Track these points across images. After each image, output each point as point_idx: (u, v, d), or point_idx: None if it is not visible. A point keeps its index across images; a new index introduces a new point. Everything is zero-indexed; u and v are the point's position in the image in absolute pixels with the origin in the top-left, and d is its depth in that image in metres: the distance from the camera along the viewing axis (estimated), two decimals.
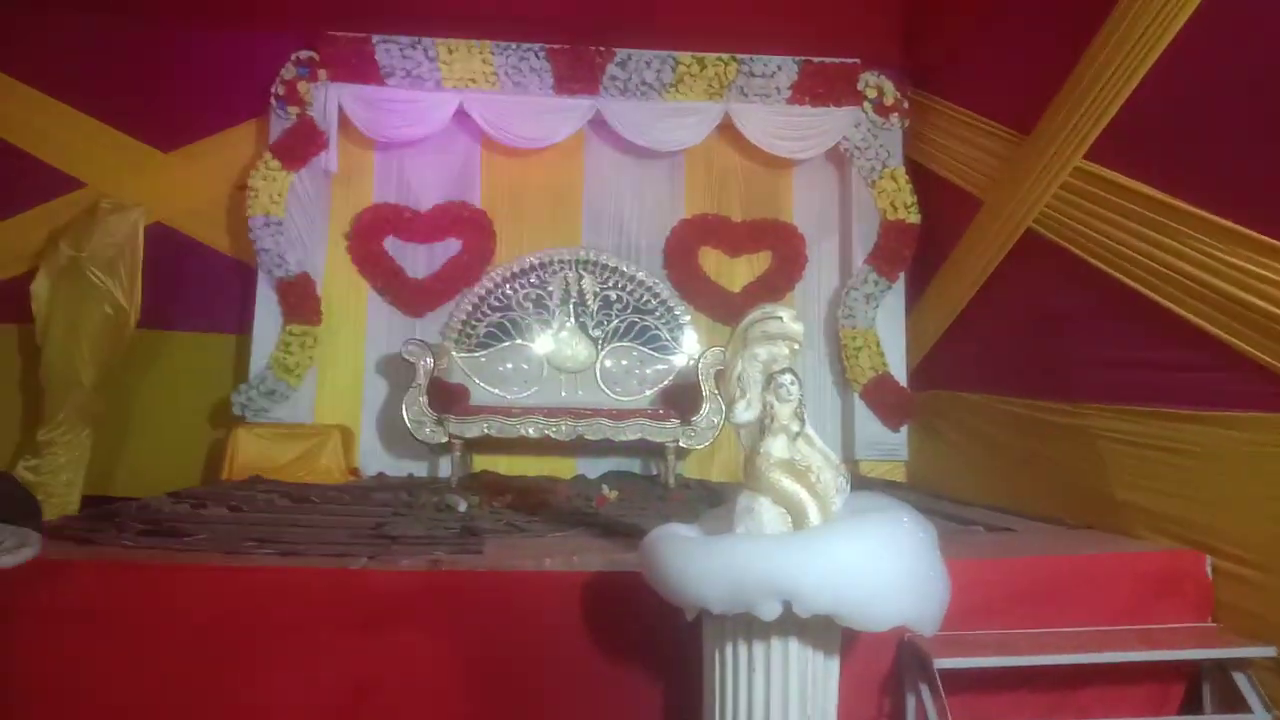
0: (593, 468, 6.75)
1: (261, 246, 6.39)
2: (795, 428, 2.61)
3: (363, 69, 6.61)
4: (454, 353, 6.66)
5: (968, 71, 6.33)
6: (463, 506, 4.88)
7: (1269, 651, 3.26)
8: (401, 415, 6.06)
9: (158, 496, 5.07)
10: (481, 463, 6.67)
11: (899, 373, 6.74)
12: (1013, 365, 5.41)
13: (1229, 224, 3.64)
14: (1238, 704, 3.32)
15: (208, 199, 6.71)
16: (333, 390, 6.68)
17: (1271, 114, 3.52)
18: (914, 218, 6.73)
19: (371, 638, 3.13)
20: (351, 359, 6.78)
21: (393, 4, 6.65)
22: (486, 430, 5.97)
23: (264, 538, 3.83)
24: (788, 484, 2.55)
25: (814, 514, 2.52)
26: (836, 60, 6.91)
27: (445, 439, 6.00)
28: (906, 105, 6.90)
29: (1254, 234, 3.52)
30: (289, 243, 6.45)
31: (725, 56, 6.78)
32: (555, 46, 6.71)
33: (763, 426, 2.63)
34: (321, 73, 6.58)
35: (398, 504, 5.07)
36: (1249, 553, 3.48)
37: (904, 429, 6.72)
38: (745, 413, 2.66)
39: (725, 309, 6.92)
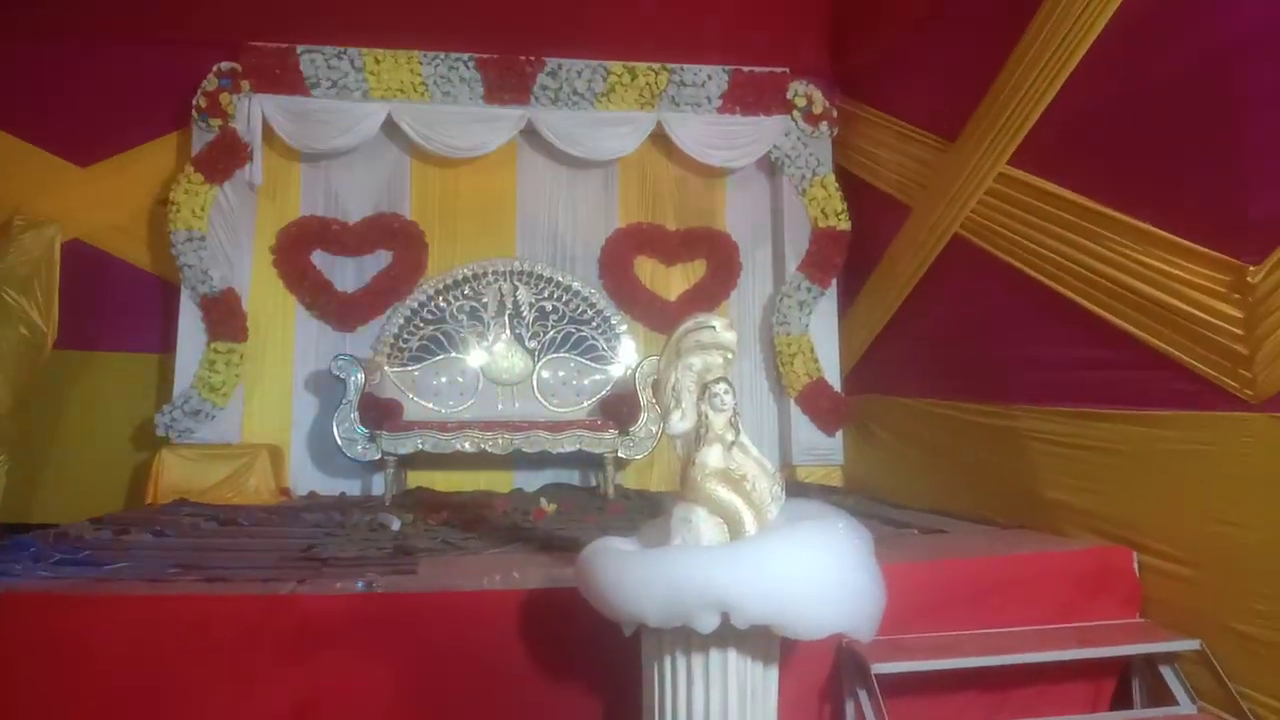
0: (531, 481, 6.68)
1: (184, 262, 6.21)
2: (730, 437, 2.60)
3: (287, 80, 6.48)
4: (386, 367, 6.54)
5: (895, 79, 6.43)
6: (396, 525, 4.78)
7: (1194, 645, 3.34)
8: (332, 432, 5.95)
9: (78, 523, 4.87)
10: (416, 479, 6.56)
11: (833, 378, 6.80)
12: (944, 368, 5.49)
13: (1146, 226, 3.74)
14: (1165, 697, 3.40)
15: (128, 214, 6.51)
16: (261, 408, 6.51)
17: (1183, 118, 3.63)
18: (844, 225, 6.81)
19: (303, 665, 3.03)
20: (280, 376, 6.62)
21: (317, 14, 6.54)
22: (421, 446, 5.87)
23: (189, 564, 3.71)
24: (723, 494, 2.54)
25: (750, 523, 2.51)
26: (766, 69, 6.98)
27: (378, 456, 5.89)
28: (835, 113, 6.99)
29: (1169, 236, 3.62)
30: (213, 258, 6.27)
31: (656, 66, 6.80)
32: (485, 56, 6.66)
33: (698, 436, 2.61)
34: (244, 84, 6.43)
35: (329, 524, 4.96)
36: (1174, 548, 3.56)
37: (839, 434, 6.78)
38: (680, 423, 2.64)
39: (662, 318, 6.92)
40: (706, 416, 2.60)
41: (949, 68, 5.55)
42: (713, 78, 6.87)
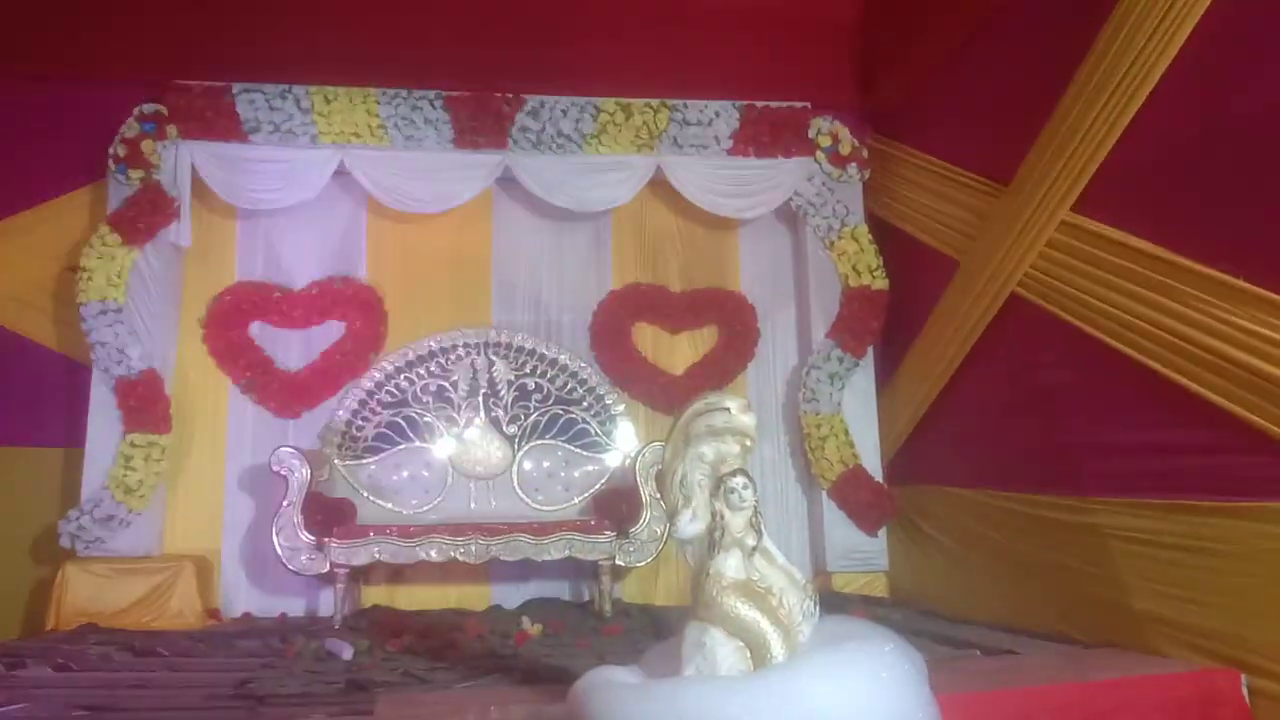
0: (511, 596, 6.61)
1: (97, 339, 6.24)
2: (751, 541, 2.59)
3: (221, 123, 6.59)
4: (336, 461, 6.53)
5: (935, 114, 6.55)
6: (348, 654, 4.72)
7: None
8: (272, 541, 5.89)
9: None
10: (373, 596, 6.49)
11: (873, 465, 6.78)
12: (1005, 453, 5.48)
13: (1241, 283, 3.76)
14: None
15: (29, 283, 6.54)
16: (186, 513, 6.48)
17: (1277, 155, 3.68)
18: (880, 283, 6.87)
19: None
20: (209, 474, 6.61)
21: (256, 47, 6.65)
22: (378, 555, 5.82)
23: (98, 705, 3.65)
24: (745, 611, 2.52)
25: (778, 647, 2.49)
26: (783, 104, 7.12)
27: (326, 568, 5.83)
28: (865, 154, 7.11)
29: (1269, 294, 3.63)
30: (131, 334, 6.30)
31: (655, 102, 6.94)
32: (454, 94, 6.79)
33: (712, 541, 2.60)
34: (170, 129, 6.55)
35: (268, 654, 4.89)
36: None
37: (882, 533, 6.73)
38: (690, 525, 2.64)
39: (666, 396, 6.94)
40: (722, 517, 2.60)
41: (999, 100, 5.65)
42: (721, 114, 7.00)
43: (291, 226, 6.98)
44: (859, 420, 6.85)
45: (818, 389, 6.82)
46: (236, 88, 6.62)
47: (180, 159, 6.56)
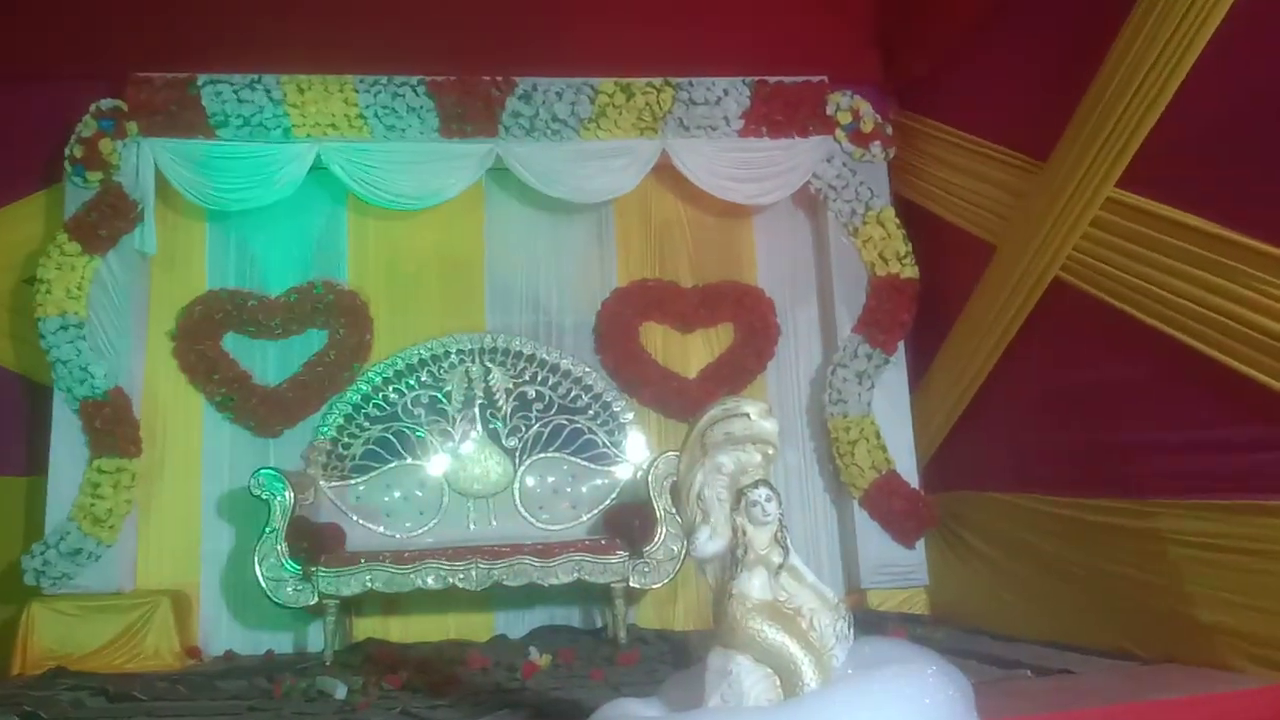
0: (516, 624, 6.61)
1: (57, 357, 6.25)
2: (776, 559, 2.59)
3: (186, 118, 6.61)
4: (322, 482, 6.54)
5: (963, 86, 6.54)
6: (341, 692, 4.72)
7: None
8: (255, 571, 5.89)
9: None
10: (366, 628, 6.50)
11: (908, 471, 6.77)
12: (1053, 454, 5.47)
13: None
14: None
15: None
16: (160, 544, 6.49)
17: None
18: (910, 271, 6.86)
19: None
20: (184, 500, 6.61)
21: (222, 34, 6.69)
22: (370, 584, 5.82)
23: None
24: (772, 635, 2.51)
25: (810, 673, 2.48)
26: (798, 79, 7.11)
27: (315, 599, 5.83)
28: (889, 131, 7.11)
29: None
30: (95, 350, 6.32)
31: (658, 81, 6.93)
32: (439, 79, 6.79)
33: (734, 559, 2.60)
34: (130, 125, 6.56)
35: (253, 694, 4.90)
36: None
37: (920, 544, 6.73)
38: (709, 542, 2.63)
39: (679, 401, 6.94)
40: (744, 532, 2.59)
41: (1033, 69, 5.64)
42: (730, 92, 6.99)
43: (266, 228, 6.99)
44: (891, 422, 6.84)
45: (845, 389, 6.81)
46: (201, 79, 6.62)
47: (142, 158, 6.58)
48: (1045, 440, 5.56)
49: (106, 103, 6.58)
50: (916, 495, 6.71)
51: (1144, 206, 4.62)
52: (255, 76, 6.66)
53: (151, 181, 6.58)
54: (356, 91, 6.72)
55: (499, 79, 6.84)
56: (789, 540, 2.62)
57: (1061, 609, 5.27)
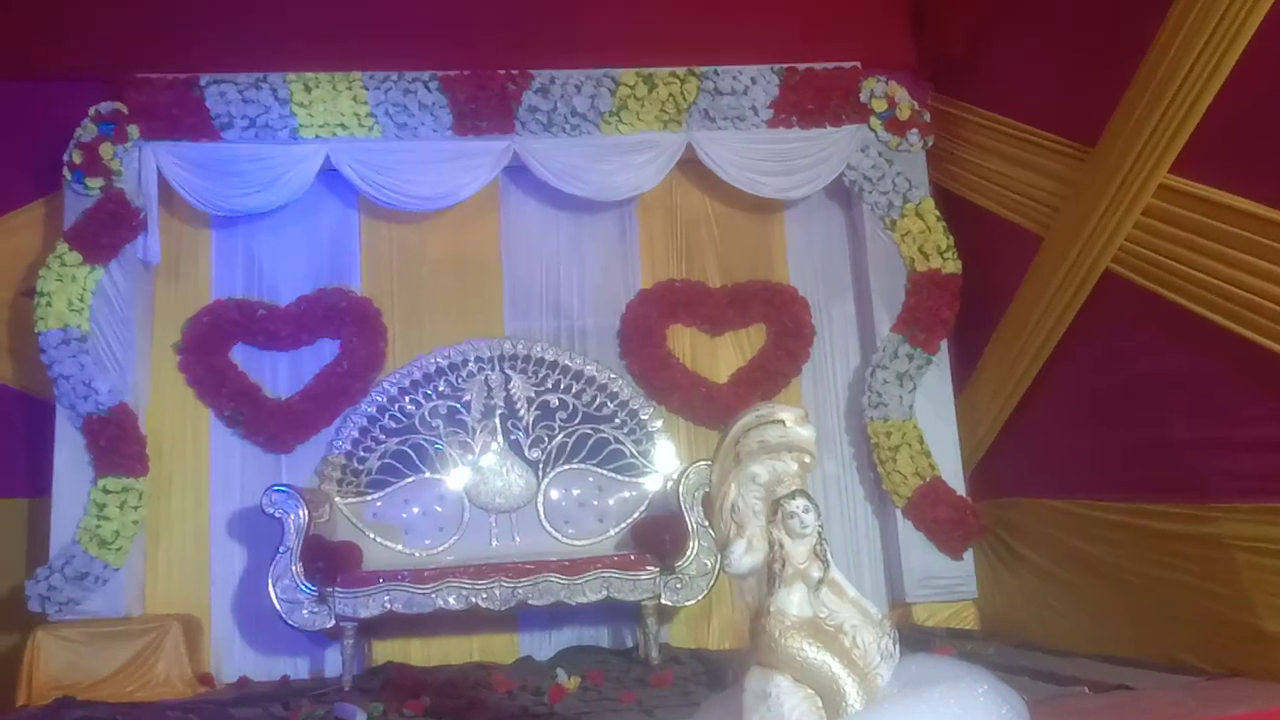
0: (543, 645, 6.63)
1: (60, 372, 6.31)
2: (816, 573, 2.58)
3: (189, 120, 6.66)
4: (337, 498, 6.57)
5: (1004, 69, 6.53)
6: (360, 719, 4.73)
7: None
8: (268, 592, 5.92)
9: None
10: (385, 651, 6.52)
11: (953, 477, 6.75)
12: (1107, 457, 5.44)
13: None
14: None
15: None
16: (169, 566, 6.55)
17: None
18: (952, 266, 6.84)
19: None
20: (193, 520, 6.67)
21: (226, 32, 6.74)
22: (389, 605, 5.83)
23: None
24: (813, 653, 2.51)
25: (853, 694, 2.48)
26: (830, 65, 7.10)
27: (332, 622, 5.85)
28: (927, 117, 7.09)
29: None
30: (98, 364, 6.37)
31: (681, 71, 6.94)
32: (452, 73, 6.83)
33: (771, 574, 2.59)
34: (132, 129, 6.62)
35: None
36: None
37: (968, 555, 6.70)
38: (745, 557, 2.63)
39: (709, 408, 6.95)
40: (781, 546, 2.59)
41: (1078, 49, 5.62)
42: (758, 81, 7.00)
43: (274, 234, 7.04)
44: (935, 426, 6.82)
45: (885, 391, 6.79)
46: (205, 79, 6.67)
47: (144, 163, 6.64)
48: (1099, 442, 5.53)
49: (106, 105, 6.63)
50: (963, 503, 6.68)
51: (1199, 192, 4.59)
52: (261, 75, 6.71)
53: (154, 187, 6.64)
54: (366, 89, 6.76)
55: (514, 72, 6.86)
56: (829, 553, 2.61)
57: (1118, 621, 5.25)
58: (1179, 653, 4.72)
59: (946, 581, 6.67)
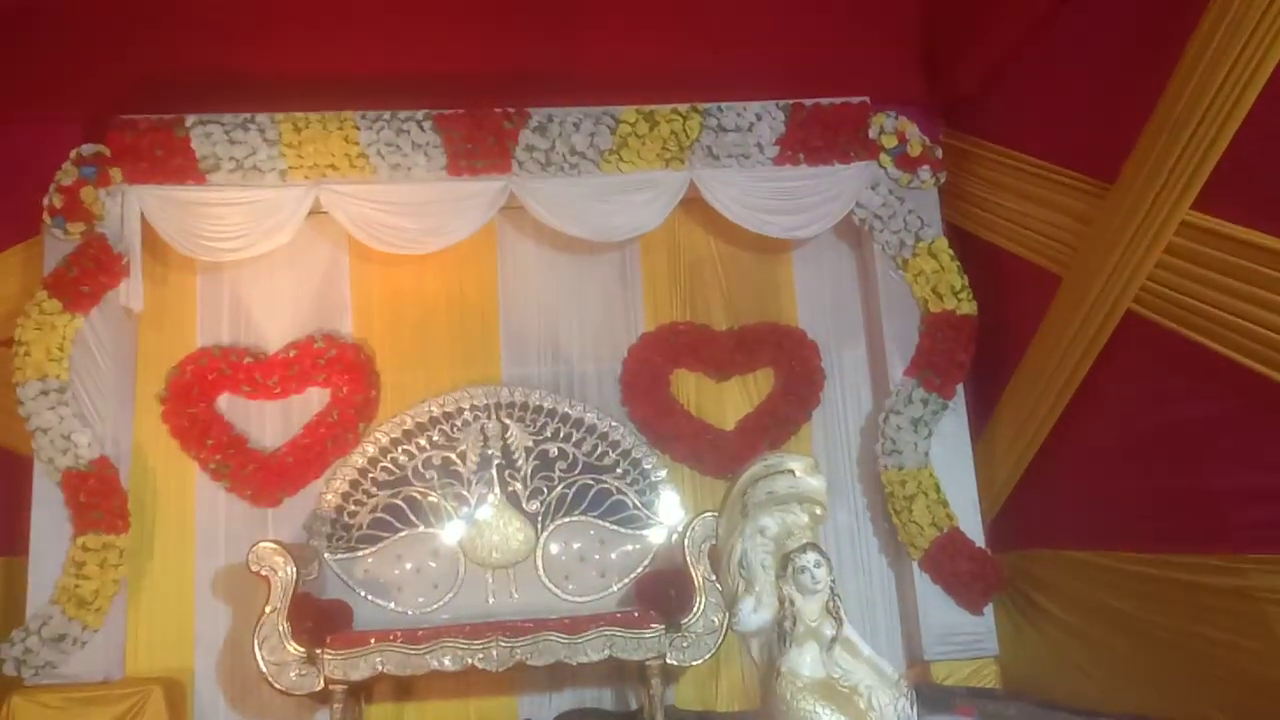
0: (543, 708, 6.57)
1: (38, 425, 6.30)
2: (829, 631, 2.59)
3: (173, 163, 6.68)
4: (327, 554, 6.55)
5: (1018, 103, 6.58)
6: None
7: None
8: (254, 655, 5.89)
9: None
10: (377, 715, 6.48)
11: (972, 527, 6.74)
12: (1133, 505, 5.44)
13: None
14: None
15: None
16: (151, 627, 6.52)
17: None
18: (967, 307, 6.86)
19: None
20: (177, 578, 6.64)
21: (211, 71, 6.77)
22: (381, 667, 5.79)
23: None
24: (827, 716, 2.50)
25: None
26: (837, 100, 7.15)
27: (320, 684, 5.80)
28: (939, 153, 7.14)
29: None
30: (78, 416, 6.37)
31: (683, 108, 6.98)
32: (446, 112, 6.87)
33: (782, 632, 2.59)
34: (114, 172, 6.64)
35: None
36: None
37: (989, 610, 6.68)
38: (754, 614, 2.63)
39: (716, 456, 6.95)
40: (792, 602, 2.59)
41: (1095, 81, 5.66)
42: (763, 117, 7.04)
43: (261, 280, 7.06)
44: (952, 473, 6.82)
45: (899, 438, 6.79)
46: (190, 120, 6.71)
47: (127, 207, 6.66)
48: (1123, 490, 5.52)
49: (88, 148, 6.66)
50: (983, 555, 6.67)
51: (1223, 230, 4.61)
52: (248, 116, 6.74)
53: (137, 232, 6.66)
54: (357, 128, 6.79)
55: (511, 110, 6.90)
56: (842, 610, 2.61)
57: (1147, 678, 5.22)
58: (1210, 711, 4.70)
59: (966, 638, 6.64)
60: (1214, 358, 4.67)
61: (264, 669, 5.85)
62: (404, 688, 6.34)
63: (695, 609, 6.03)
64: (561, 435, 6.90)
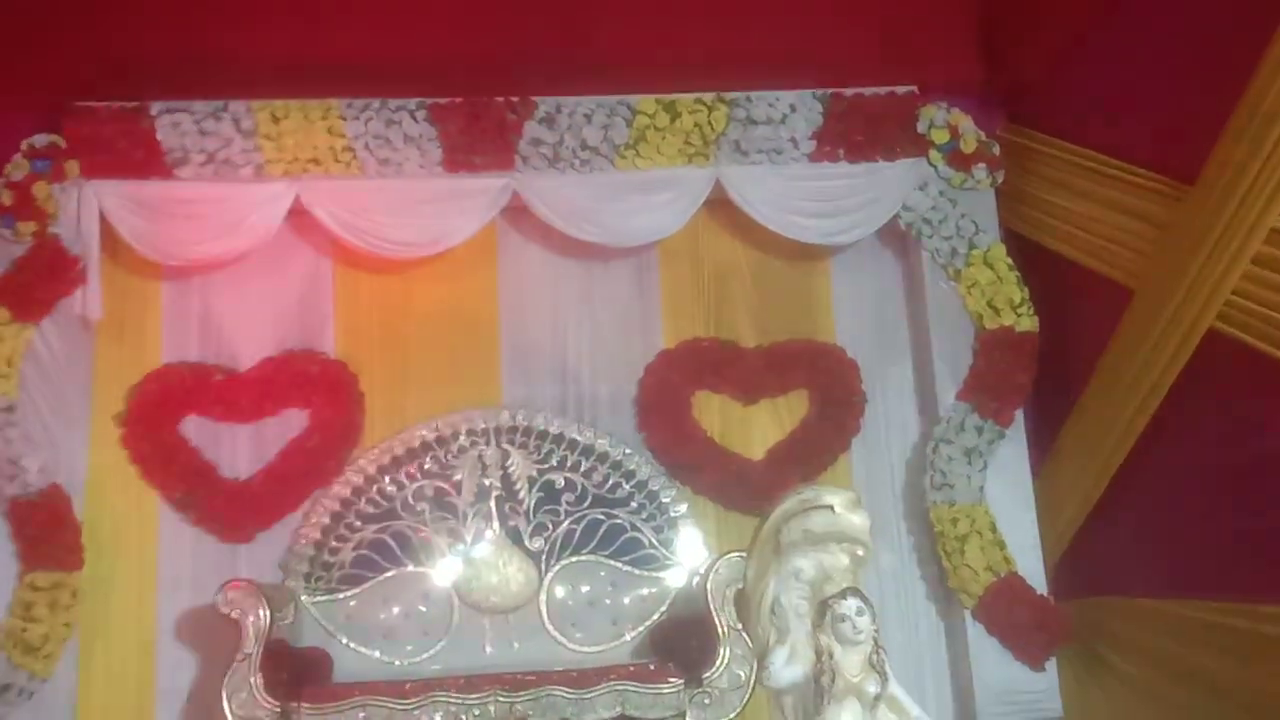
0: None
1: None
2: (872, 688, 2.58)
3: (137, 155, 6.69)
4: (304, 596, 6.56)
5: (1085, 94, 6.57)
6: None
7: None
8: (223, 708, 5.88)
9: None
10: None
11: (1033, 572, 6.72)
12: (1216, 547, 5.42)
13: None
14: None
15: None
16: (107, 677, 6.52)
17: None
18: (1027, 323, 6.85)
19: None
20: (136, 622, 6.64)
21: (180, 54, 6.75)
22: None
23: None
24: None
25: None
26: (882, 90, 7.17)
27: None
28: (996, 150, 7.12)
29: None
30: (26, 439, 6.39)
31: (709, 97, 6.98)
32: (442, 101, 6.89)
33: (819, 689, 2.58)
34: (70, 165, 6.66)
35: None
36: None
37: (1051, 665, 6.65)
38: (787, 667, 2.63)
39: (742, 488, 6.94)
40: (830, 655, 2.59)
41: (1173, 72, 5.65)
42: (798, 108, 7.04)
43: (234, 288, 7.06)
44: (1010, 511, 6.80)
45: (950, 470, 6.77)
46: (156, 108, 6.72)
47: (85, 205, 6.67)
48: (1205, 530, 5.50)
49: (41, 138, 6.67)
50: (1045, 603, 6.65)
51: None
52: (221, 104, 6.75)
53: (96, 233, 6.67)
54: (343, 119, 6.80)
55: (515, 100, 6.91)
56: (886, 664, 2.60)
57: None
58: None
59: (1026, 696, 6.61)
60: None
61: None
62: None
63: (719, 661, 6.00)
64: (569, 464, 6.91)
